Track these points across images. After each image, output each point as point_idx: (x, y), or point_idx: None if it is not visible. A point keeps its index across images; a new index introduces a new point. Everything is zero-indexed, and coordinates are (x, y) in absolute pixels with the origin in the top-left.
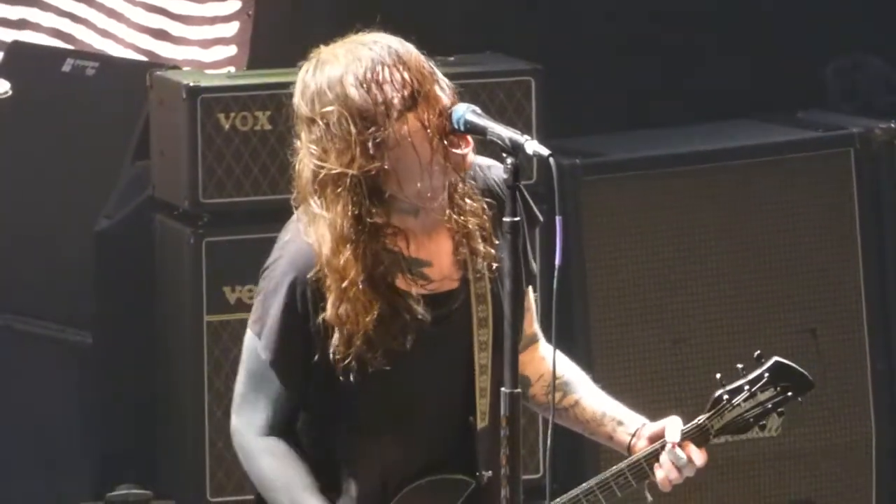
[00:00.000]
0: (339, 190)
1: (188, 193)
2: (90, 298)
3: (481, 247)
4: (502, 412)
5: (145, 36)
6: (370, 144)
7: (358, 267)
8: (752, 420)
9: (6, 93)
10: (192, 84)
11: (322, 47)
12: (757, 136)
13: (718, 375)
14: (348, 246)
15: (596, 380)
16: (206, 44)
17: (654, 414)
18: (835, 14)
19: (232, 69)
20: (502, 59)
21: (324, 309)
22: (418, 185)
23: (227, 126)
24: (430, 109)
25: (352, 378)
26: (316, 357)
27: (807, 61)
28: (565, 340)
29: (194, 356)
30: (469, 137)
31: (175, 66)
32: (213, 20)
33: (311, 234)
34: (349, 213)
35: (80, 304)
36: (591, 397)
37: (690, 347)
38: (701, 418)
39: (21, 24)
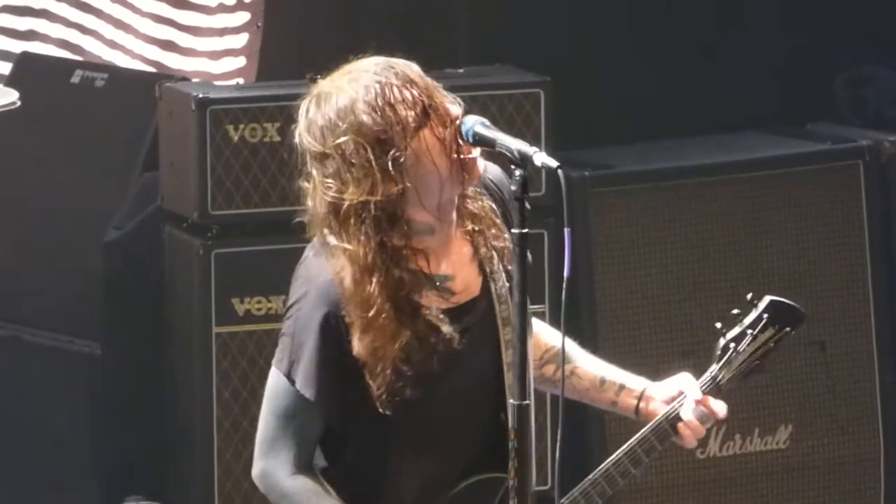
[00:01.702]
0: (360, 220)
1: (197, 205)
2: (99, 309)
3: (494, 243)
4: (510, 424)
5: (153, 47)
6: (390, 167)
7: (383, 294)
8: (756, 362)
9: (14, 103)
10: (201, 95)
11: (319, 81)
12: (766, 148)
13: (719, 325)
14: (373, 275)
15: None
16: (215, 55)
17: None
18: (844, 26)
19: (241, 81)
20: (511, 71)
21: (350, 343)
22: (438, 198)
23: (236, 138)
24: (442, 122)
25: (389, 409)
26: (350, 390)
27: (816, 73)
28: None
29: (203, 368)
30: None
31: (184, 78)
32: (222, 31)
33: (331, 266)
34: (372, 242)
35: (89, 316)
36: (587, 364)
37: (699, 359)
38: (713, 369)
39: (29, 36)
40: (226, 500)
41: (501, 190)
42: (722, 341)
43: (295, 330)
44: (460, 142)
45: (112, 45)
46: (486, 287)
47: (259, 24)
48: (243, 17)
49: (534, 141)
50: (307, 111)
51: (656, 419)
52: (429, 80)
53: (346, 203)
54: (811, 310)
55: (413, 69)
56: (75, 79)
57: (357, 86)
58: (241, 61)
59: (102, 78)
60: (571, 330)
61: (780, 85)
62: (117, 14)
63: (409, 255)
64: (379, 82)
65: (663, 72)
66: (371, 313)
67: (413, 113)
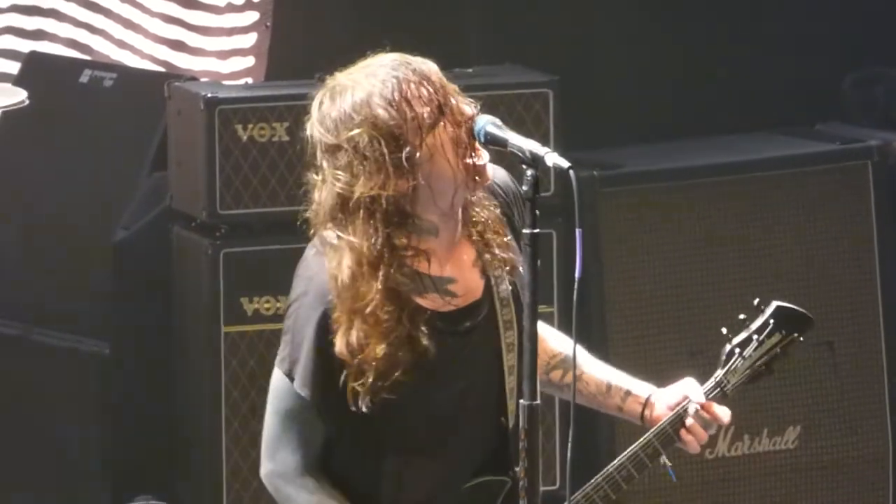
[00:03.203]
0: (369, 213)
1: (206, 204)
2: (108, 309)
3: (498, 252)
4: (521, 424)
5: (162, 47)
6: (404, 163)
7: (383, 291)
8: (763, 367)
9: (23, 102)
10: (210, 95)
11: (335, 76)
12: (775, 148)
13: (724, 330)
14: (377, 269)
15: None
16: (224, 55)
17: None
18: (854, 26)
19: (250, 80)
20: (521, 70)
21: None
22: (451, 197)
23: (244, 137)
24: (455, 121)
25: (372, 408)
26: (343, 391)
27: (825, 73)
28: None
29: (212, 367)
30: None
31: (192, 77)
32: (231, 31)
33: (330, 260)
34: (379, 236)
35: (98, 315)
36: (593, 370)
37: (707, 359)
38: (717, 374)
39: (38, 35)
40: (234, 499)
41: (508, 194)
42: (727, 347)
43: (294, 329)
44: (472, 143)
45: (121, 44)
46: (487, 290)
47: (268, 23)
48: (252, 16)
49: (543, 140)
50: (321, 103)
51: (660, 424)
52: (444, 79)
53: (356, 196)
54: (819, 310)
55: (430, 67)
56: (84, 78)
57: (374, 80)
58: (249, 61)
59: (111, 77)
60: (581, 330)
61: (788, 85)
62: (126, 14)
63: (412, 255)
64: (396, 77)
65: (673, 72)
66: (367, 308)
67: (428, 110)
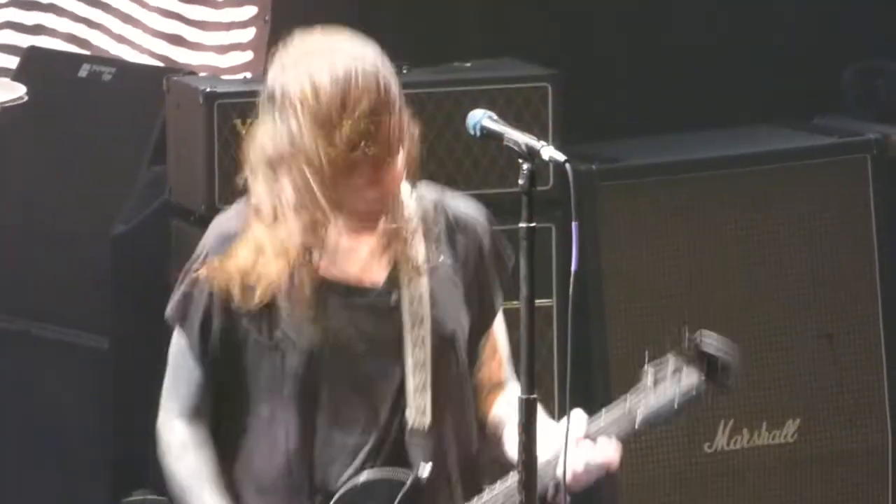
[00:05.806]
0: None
1: (204, 198)
2: (106, 303)
3: (411, 251)
4: (518, 419)
5: (161, 41)
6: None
7: (297, 230)
8: (676, 407)
9: (22, 97)
10: (208, 89)
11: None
12: (773, 141)
13: (645, 367)
14: (296, 212)
15: (613, 386)
16: (222, 49)
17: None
18: (854, 18)
19: (248, 75)
20: (519, 64)
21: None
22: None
23: (243, 131)
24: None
25: (258, 345)
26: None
27: (824, 66)
28: (581, 347)
29: None
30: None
31: (191, 72)
32: (230, 26)
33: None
34: (304, 185)
35: (97, 309)
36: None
37: None
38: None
39: (37, 30)
40: None
41: (455, 228)
42: (643, 380)
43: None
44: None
45: (120, 39)
46: (392, 281)
47: (266, 18)
48: (250, 11)
49: (541, 134)
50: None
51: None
52: (372, 119)
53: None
54: (819, 302)
55: (332, 97)
56: (83, 73)
57: (311, 63)
58: (248, 55)
59: (110, 72)
60: (579, 325)
61: (787, 78)
62: (125, 8)
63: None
64: (334, 66)
65: (671, 65)
66: (280, 239)
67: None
